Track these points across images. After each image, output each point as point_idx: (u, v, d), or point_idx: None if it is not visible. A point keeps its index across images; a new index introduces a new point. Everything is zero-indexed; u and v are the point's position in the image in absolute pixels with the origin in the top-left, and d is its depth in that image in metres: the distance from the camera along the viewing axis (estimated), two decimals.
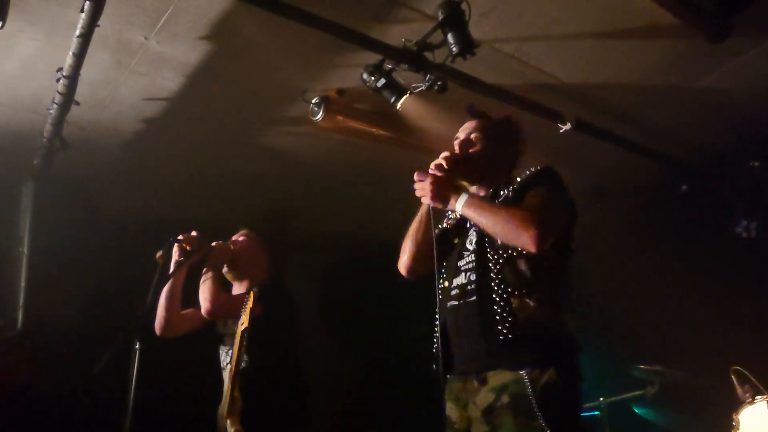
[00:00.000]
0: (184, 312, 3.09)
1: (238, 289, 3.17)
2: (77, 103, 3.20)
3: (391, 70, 3.12)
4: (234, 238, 3.20)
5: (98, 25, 2.66)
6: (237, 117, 3.71)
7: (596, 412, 4.06)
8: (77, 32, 2.68)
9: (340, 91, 3.54)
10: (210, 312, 2.96)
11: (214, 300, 2.93)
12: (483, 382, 2.06)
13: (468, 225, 2.27)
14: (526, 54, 3.47)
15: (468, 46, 2.89)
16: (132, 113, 3.55)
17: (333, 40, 3.05)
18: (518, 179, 2.27)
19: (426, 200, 2.24)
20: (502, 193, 2.27)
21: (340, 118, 3.61)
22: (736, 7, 3.15)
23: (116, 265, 3.96)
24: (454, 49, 2.87)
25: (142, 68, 3.22)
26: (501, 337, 1.98)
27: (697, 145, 4.41)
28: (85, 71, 3.03)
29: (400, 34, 3.07)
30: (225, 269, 3.11)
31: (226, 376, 2.94)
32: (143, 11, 2.83)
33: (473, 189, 2.36)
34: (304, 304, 3.32)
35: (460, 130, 2.49)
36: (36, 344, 3.81)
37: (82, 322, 3.87)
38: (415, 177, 2.27)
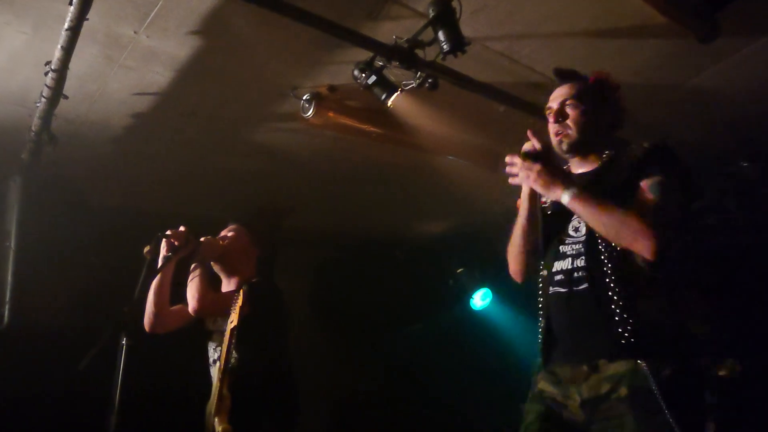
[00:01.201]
0: (173, 308, 3.07)
1: (227, 285, 3.15)
2: (66, 97, 3.17)
3: (382, 67, 3.11)
4: (223, 233, 3.18)
5: (87, 19, 2.63)
6: (227, 113, 3.68)
7: None
8: (66, 25, 2.64)
9: (331, 88, 3.53)
10: (197, 310, 2.94)
11: (202, 298, 2.91)
12: (595, 370, 1.92)
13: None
14: (517, 52, 3.47)
15: (459, 43, 2.88)
16: (121, 108, 3.52)
17: (324, 37, 3.03)
18: (628, 158, 2.06)
19: (529, 187, 2.08)
20: (609, 175, 2.07)
21: (330, 114, 3.60)
22: (720, 2, 3.15)
23: (104, 260, 3.93)
24: (444, 46, 2.86)
25: (132, 63, 3.20)
26: (621, 339, 1.85)
27: (688, 144, 4.41)
28: (74, 65, 3.00)
29: (391, 31, 3.06)
30: (214, 265, 3.09)
31: (215, 373, 2.92)
32: (133, 5, 2.80)
33: (574, 163, 2.20)
34: (294, 302, 3.30)
35: (551, 98, 2.25)
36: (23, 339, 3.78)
37: (69, 318, 3.84)
38: (510, 161, 2.07)
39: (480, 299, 5.62)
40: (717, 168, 4.53)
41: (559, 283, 2.05)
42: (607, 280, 1.92)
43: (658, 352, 1.85)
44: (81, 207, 3.94)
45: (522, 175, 2.03)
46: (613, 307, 1.89)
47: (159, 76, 3.31)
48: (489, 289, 5.61)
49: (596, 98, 2.21)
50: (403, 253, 5.25)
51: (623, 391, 1.84)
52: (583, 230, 2.04)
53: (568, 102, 2.19)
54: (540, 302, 2.14)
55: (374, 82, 3.14)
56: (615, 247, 1.95)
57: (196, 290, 2.91)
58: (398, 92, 3.20)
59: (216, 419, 2.76)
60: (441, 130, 3.85)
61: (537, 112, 3.70)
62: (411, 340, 5.34)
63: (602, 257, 1.96)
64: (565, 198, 1.93)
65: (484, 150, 4.25)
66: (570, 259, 2.05)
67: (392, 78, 3.19)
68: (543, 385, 2.07)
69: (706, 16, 3.26)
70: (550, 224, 2.13)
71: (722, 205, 4.55)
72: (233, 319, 2.70)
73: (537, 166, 1.99)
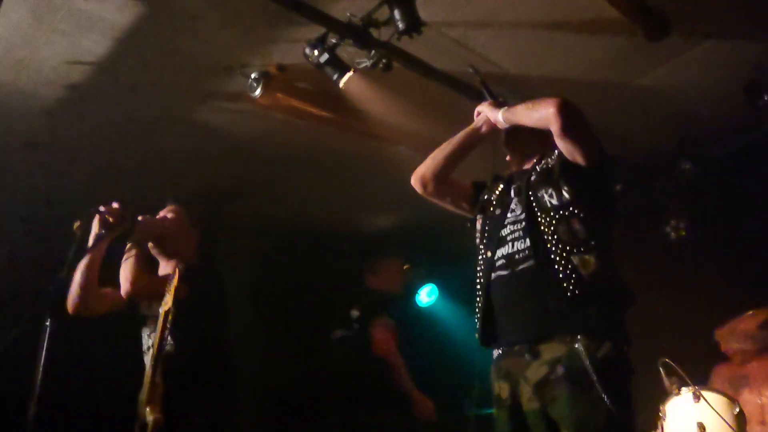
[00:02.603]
0: (102, 291, 2.88)
1: (164, 269, 2.99)
2: None
3: (335, 45, 3.02)
4: (161, 213, 3.02)
5: None
6: (169, 89, 3.50)
7: None
8: None
9: (281, 67, 3.40)
10: (130, 293, 2.77)
11: (135, 281, 2.74)
12: (535, 356, 2.05)
13: (511, 194, 2.30)
14: (473, 40, 3.45)
15: (414, 23, 2.83)
16: (53, 77, 3.28)
17: (275, 11, 2.92)
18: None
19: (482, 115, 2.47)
20: (545, 161, 2.30)
21: (279, 95, 3.47)
22: None
23: (29, 240, 3.67)
24: (400, 25, 2.81)
25: (66, 27, 2.98)
26: (569, 294, 1.98)
27: (633, 143, 4.50)
28: (0, 26, 2.79)
29: (345, 8, 2.98)
30: (151, 246, 2.91)
31: (148, 360, 2.76)
32: None
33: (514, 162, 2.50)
34: (234, 293, 3.15)
35: None
36: None
37: None
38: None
39: (426, 296, 5.57)
40: (661, 167, 4.63)
41: (501, 267, 2.18)
42: (550, 246, 2.07)
43: (592, 327, 1.98)
44: (6, 183, 3.67)
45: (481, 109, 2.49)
46: (556, 267, 2.03)
47: (95, 45, 3.11)
48: (435, 285, 5.57)
49: None
50: (349, 246, 5.14)
51: (560, 370, 1.97)
52: (520, 210, 2.23)
53: None
54: (478, 286, 2.30)
55: (326, 61, 3.05)
56: (554, 215, 2.11)
57: (130, 272, 2.74)
58: (351, 72, 3.12)
59: (147, 408, 2.60)
60: (392, 118, 3.77)
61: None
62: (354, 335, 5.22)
63: (542, 228, 2.11)
64: (500, 115, 2.35)
65: (435, 141, 4.20)
66: (511, 243, 2.19)
67: (345, 58, 3.10)
68: (497, 385, 2.17)
69: (655, 13, 3.31)
70: (492, 210, 2.37)
71: (665, 205, 4.65)
72: (167, 301, 2.54)
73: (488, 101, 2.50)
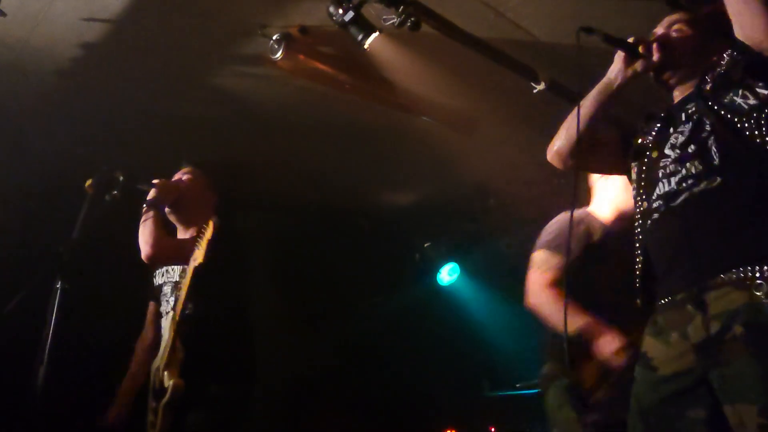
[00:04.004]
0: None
1: (182, 233, 2.89)
2: (3, 14, 2.84)
3: (361, 2, 2.87)
4: (177, 176, 2.90)
5: None
6: (187, 50, 3.37)
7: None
8: None
9: (303, 29, 3.26)
10: (151, 257, 2.66)
11: (156, 244, 2.63)
12: (701, 307, 1.62)
13: (678, 125, 1.84)
14: (503, 4, 3.28)
15: None
16: (68, 34, 3.18)
17: None
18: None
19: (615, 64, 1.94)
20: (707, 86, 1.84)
21: (302, 57, 3.33)
22: None
23: (42, 204, 3.58)
24: None
25: None
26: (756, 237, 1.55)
27: None
28: None
29: None
30: (168, 210, 2.80)
31: (166, 325, 2.67)
32: None
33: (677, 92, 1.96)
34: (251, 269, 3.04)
35: (659, 25, 2.04)
36: None
37: (2, 262, 3.47)
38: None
39: (447, 274, 5.45)
40: None
41: (658, 209, 1.79)
42: (745, 158, 1.66)
43: None
44: (18, 144, 3.58)
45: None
46: (745, 183, 1.63)
47: (112, 0, 2.99)
48: (456, 264, 5.45)
49: (707, 26, 1.98)
50: (368, 223, 5.02)
51: (738, 329, 1.54)
52: (694, 128, 1.78)
53: (675, 26, 1.98)
54: (637, 242, 1.88)
55: (351, 20, 2.90)
56: (749, 114, 1.69)
57: (150, 235, 2.64)
58: (376, 33, 2.97)
59: (166, 373, 2.52)
60: (418, 86, 3.63)
61: (519, 69, 3.55)
62: (374, 314, 5.15)
63: (746, 133, 1.68)
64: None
65: (462, 112, 4.06)
66: (668, 179, 1.79)
67: (371, 16, 2.96)
68: (646, 342, 1.80)
69: None
70: (650, 161, 1.90)
71: None
72: (197, 257, 2.43)
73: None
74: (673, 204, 1.75)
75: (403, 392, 4.95)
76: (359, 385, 4.82)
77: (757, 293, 1.52)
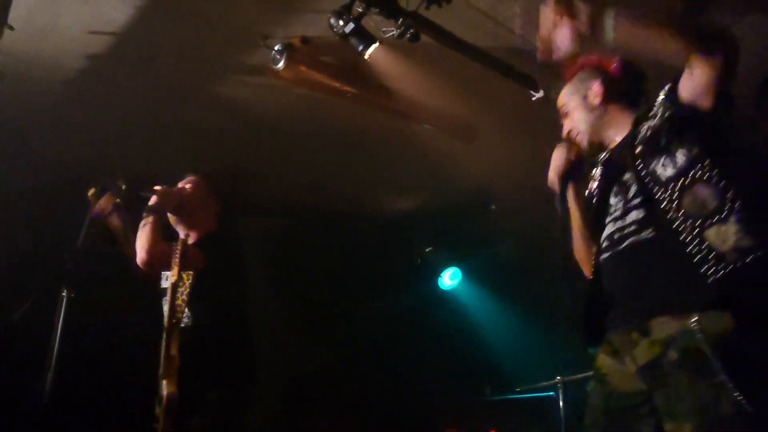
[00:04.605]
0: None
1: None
2: (12, 28, 2.88)
3: (361, 14, 2.91)
4: (180, 184, 2.95)
5: None
6: (191, 59, 3.43)
7: (551, 392, 4.00)
8: None
9: (305, 40, 3.31)
10: (146, 262, 2.69)
11: (152, 249, 2.67)
12: (645, 334, 1.77)
13: (614, 178, 1.96)
14: (502, 13, 3.32)
15: None
16: (74, 46, 3.24)
17: None
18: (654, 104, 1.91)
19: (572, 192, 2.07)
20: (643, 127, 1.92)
21: (303, 68, 3.38)
22: None
23: (46, 211, 3.63)
24: None
25: None
26: (708, 280, 1.66)
27: None
28: None
29: None
30: (170, 216, 2.85)
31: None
32: None
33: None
34: (252, 272, 3.08)
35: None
36: None
37: (7, 271, 3.53)
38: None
39: (449, 278, 5.49)
40: None
41: (608, 248, 1.92)
42: (671, 216, 1.76)
43: (715, 299, 1.65)
44: (25, 153, 3.64)
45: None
46: (684, 240, 1.72)
47: (117, 12, 3.06)
48: (458, 268, 5.48)
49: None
50: (369, 227, 5.05)
51: (673, 354, 1.68)
52: (633, 180, 1.90)
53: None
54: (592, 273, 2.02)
55: (351, 31, 2.94)
56: (675, 186, 1.78)
57: (146, 240, 2.67)
58: (377, 44, 3.01)
59: (164, 382, 2.55)
60: (417, 93, 3.67)
61: (517, 77, 3.58)
62: (375, 317, 5.18)
63: (659, 200, 1.80)
64: (608, 29, 1.62)
65: (460, 119, 4.10)
66: (613, 222, 1.93)
67: (371, 28, 3.00)
68: (600, 359, 1.91)
69: None
70: (597, 210, 2.03)
71: None
72: (174, 273, 2.48)
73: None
74: (618, 248, 1.89)
75: (404, 395, 4.98)
76: (361, 388, 4.84)
77: (690, 322, 1.66)
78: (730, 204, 1.71)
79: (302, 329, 5.05)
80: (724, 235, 1.68)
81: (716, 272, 1.65)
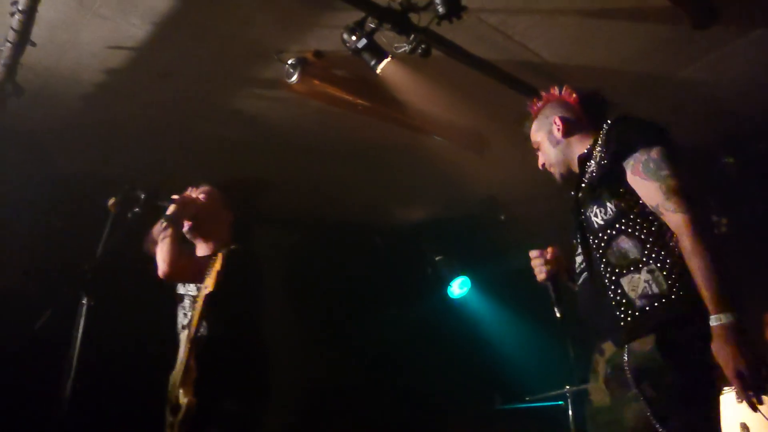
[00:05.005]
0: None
1: (201, 249, 2.97)
2: (33, 44, 2.97)
3: (374, 30, 2.98)
4: (194, 194, 2.97)
5: None
6: (206, 74, 3.51)
7: (560, 402, 4.02)
8: None
9: (318, 54, 3.38)
10: (168, 275, 2.73)
11: (173, 262, 2.71)
12: (601, 353, 2.03)
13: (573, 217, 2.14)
14: (511, 28, 3.38)
15: (455, 8, 2.77)
16: (94, 62, 3.32)
17: None
18: (598, 143, 2.08)
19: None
20: (588, 168, 2.09)
21: (316, 82, 3.46)
22: None
23: (67, 223, 3.71)
24: (440, 9, 2.75)
25: (107, 12, 3.01)
26: (621, 323, 1.89)
27: (673, 136, 4.38)
28: (44, 9, 2.82)
29: None
30: (186, 227, 2.90)
31: (183, 340, 2.74)
32: None
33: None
34: (267, 283, 3.12)
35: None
36: None
37: (26, 280, 3.60)
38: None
39: (458, 288, 5.53)
40: (701, 163, 4.51)
41: (579, 275, 2.12)
42: (600, 267, 1.98)
43: (644, 328, 1.85)
44: (45, 166, 3.71)
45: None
46: (608, 292, 1.94)
47: (135, 29, 3.13)
48: (467, 277, 5.52)
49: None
50: (382, 238, 5.11)
51: (608, 369, 1.93)
52: (577, 225, 2.12)
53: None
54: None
55: (364, 47, 3.01)
56: (602, 237, 1.99)
57: (167, 253, 2.71)
58: (388, 58, 3.08)
59: (181, 390, 2.58)
60: (428, 106, 3.74)
61: (527, 90, 3.64)
62: (386, 326, 5.22)
63: (593, 249, 2.02)
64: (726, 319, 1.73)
65: (472, 132, 4.16)
66: (577, 257, 2.13)
67: (383, 43, 3.06)
68: (595, 357, 2.11)
69: (706, 3, 3.22)
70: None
71: (705, 201, 4.51)
72: (208, 285, 2.52)
73: None
74: (580, 280, 2.09)
75: (414, 404, 5.01)
76: (372, 397, 4.87)
77: (617, 345, 1.91)
78: (645, 257, 1.88)
79: (313, 338, 5.09)
80: (636, 283, 1.88)
81: (626, 317, 1.87)
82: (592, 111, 2.28)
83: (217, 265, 2.53)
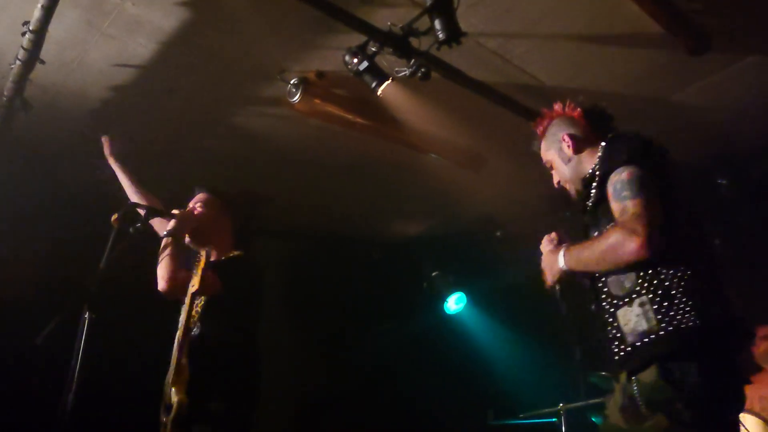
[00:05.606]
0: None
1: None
2: (42, 62, 3.04)
3: (375, 53, 3.05)
4: (191, 204, 2.99)
5: None
6: (210, 92, 3.59)
7: (554, 419, 4.05)
8: None
9: (320, 74, 3.46)
10: (168, 291, 2.73)
11: (172, 278, 2.69)
12: (617, 379, 2.03)
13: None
14: (510, 52, 3.46)
15: (454, 34, 2.84)
16: (100, 79, 3.40)
17: (317, 19, 2.97)
18: (596, 167, 2.11)
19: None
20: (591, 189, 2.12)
21: (317, 101, 3.53)
22: None
23: (72, 235, 3.76)
24: (440, 35, 2.81)
25: (115, 31, 3.09)
26: (616, 358, 1.95)
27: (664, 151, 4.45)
28: (54, 29, 2.89)
29: (385, 18, 3.01)
30: (188, 239, 2.94)
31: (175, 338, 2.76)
32: None
33: None
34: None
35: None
36: None
37: (31, 292, 3.65)
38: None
39: (454, 303, 5.57)
40: (695, 185, 4.57)
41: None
42: (601, 296, 2.01)
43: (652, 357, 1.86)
44: (51, 179, 3.77)
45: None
46: (607, 325, 1.99)
47: (142, 48, 3.21)
48: (463, 293, 5.57)
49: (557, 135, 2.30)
50: (378, 253, 5.17)
51: (624, 399, 1.93)
52: None
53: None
54: None
55: (365, 69, 3.06)
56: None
57: (166, 269, 2.72)
58: (389, 81, 3.14)
59: (173, 389, 2.59)
60: (427, 126, 3.81)
61: (524, 112, 3.71)
62: (382, 341, 5.27)
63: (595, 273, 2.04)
64: (561, 263, 2.06)
65: (468, 150, 4.23)
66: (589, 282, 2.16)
67: (384, 66, 3.13)
68: (612, 381, 2.15)
69: (697, 27, 3.29)
70: None
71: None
72: (194, 284, 2.54)
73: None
74: (592, 306, 2.10)
75: (407, 418, 5.03)
76: (366, 410, 4.91)
77: (627, 375, 1.93)
78: (639, 286, 1.89)
79: (309, 351, 5.13)
80: (628, 317, 1.90)
81: (619, 352, 1.92)
82: (597, 124, 2.28)
83: (201, 262, 2.55)
